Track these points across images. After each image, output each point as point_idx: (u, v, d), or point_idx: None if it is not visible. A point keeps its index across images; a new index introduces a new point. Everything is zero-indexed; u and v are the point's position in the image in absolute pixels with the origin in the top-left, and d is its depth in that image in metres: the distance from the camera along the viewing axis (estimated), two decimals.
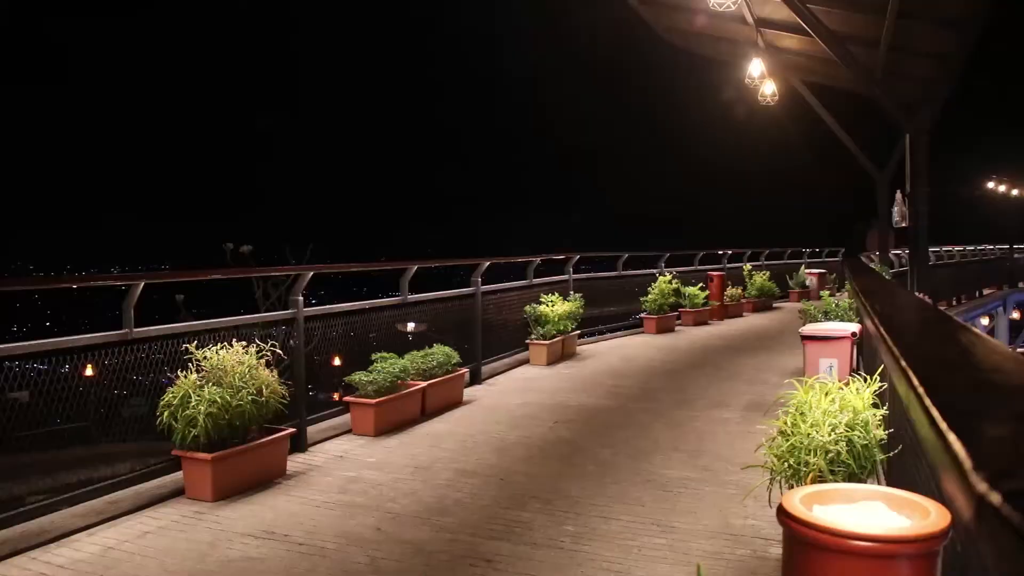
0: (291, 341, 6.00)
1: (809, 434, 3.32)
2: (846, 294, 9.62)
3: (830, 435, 3.26)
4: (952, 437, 0.74)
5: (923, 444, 1.51)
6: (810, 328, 7.39)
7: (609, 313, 12.83)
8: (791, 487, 3.23)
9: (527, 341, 9.78)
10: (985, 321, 22.31)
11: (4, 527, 4.07)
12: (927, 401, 0.90)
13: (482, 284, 8.87)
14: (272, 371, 5.23)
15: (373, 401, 6.14)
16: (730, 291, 15.51)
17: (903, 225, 12.04)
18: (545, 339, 9.61)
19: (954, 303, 18.37)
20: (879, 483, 3.62)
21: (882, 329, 1.67)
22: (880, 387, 3.56)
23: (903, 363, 1.15)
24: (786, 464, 3.35)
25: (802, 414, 3.46)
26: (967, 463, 0.66)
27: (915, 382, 1.00)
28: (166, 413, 4.73)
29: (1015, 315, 25.02)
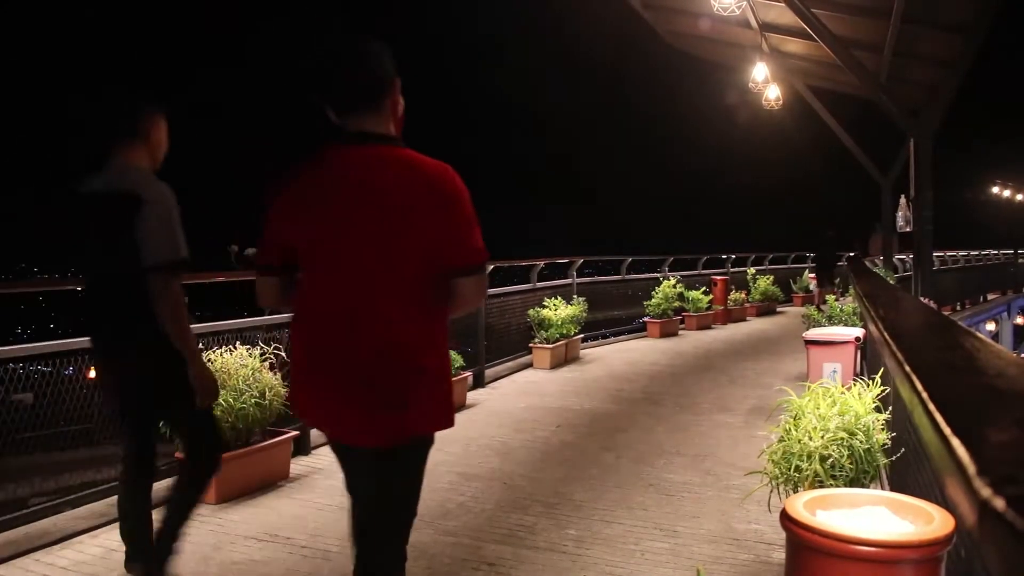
0: None
1: (800, 440, 3.32)
2: (850, 298, 9.61)
3: (821, 439, 3.26)
4: (956, 442, 0.74)
5: (927, 449, 1.51)
6: (814, 332, 7.39)
7: (612, 317, 12.83)
8: (788, 494, 3.23)
9: (530, 345, 9.79)
10: (990, 326, 22.27)
11: (8, 529, 4.08)
12: (931, 406, 0.89)
13: None
14: (275, 374, 5.24)
15: None
16: (734, 295, 15.51)
17: (907, 230, 12.03)
18: (548, 343, 9.61)
19: (958, 308, 18.34)
20: (882, 488, 3.62)
21: (886, 334, 1.67)
22: (883, 391, 3.56)
23: (907, 368, 1.15)
24: (780, 470, 3.36)
25: (796, 419, 3.47)
26: (971, 468, 0.66)
27: (919, 387, 1.00)
28: None
29: (1020, 320, 24.97)
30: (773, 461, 3.41)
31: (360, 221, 2.17)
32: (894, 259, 15.59)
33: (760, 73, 13.00)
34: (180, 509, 3.32)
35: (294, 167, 2.33)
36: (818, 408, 3.42)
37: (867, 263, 16.07)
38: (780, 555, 3.69)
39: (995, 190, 42.19)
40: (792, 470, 3.27)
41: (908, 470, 3.21)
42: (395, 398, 2.23)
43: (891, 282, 9.19)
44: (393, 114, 2.32)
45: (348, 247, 2.19)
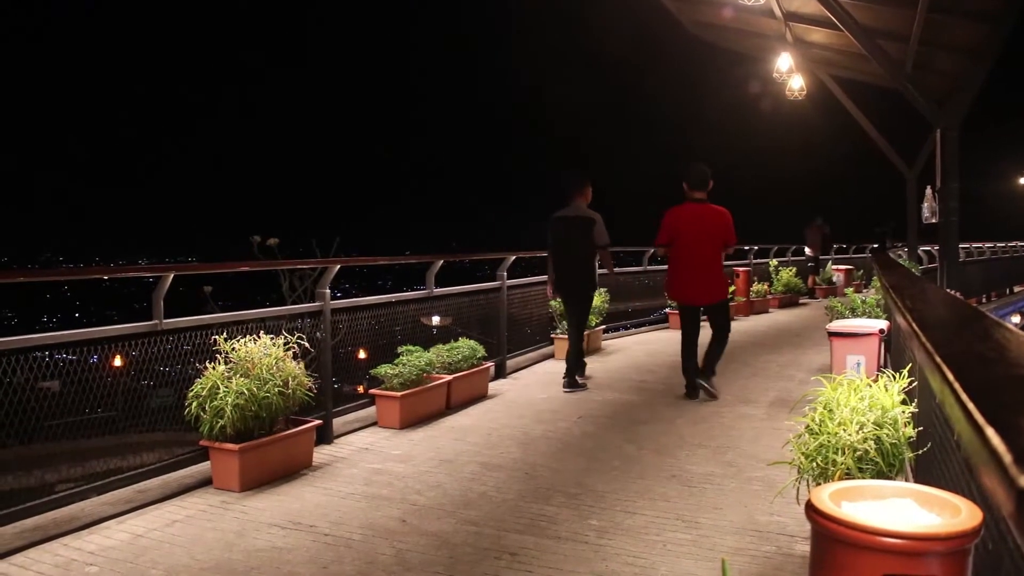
0: (317, 333, 6.04)
1: (837, 433, 3.28)
2: (873, 290, 9.52)
3: (858, 433, 3.23)
4: (990, 431, 0.73)
5: (958, 439, 1.50)
6: (837, 324, 7.32)
7: (634, 308, 12.79)
8: (818, 485, 3.20)
9: (552, 335, 9.78)
10: (1015, 319, 21.99)
11: (36, 514, 4.15)
12: (963, 396, 0.89)
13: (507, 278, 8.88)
14: (299, 363, 5.27)
15: (399, 394, 6.17)
16: (756, 287, 15.39)
17: (933, 221, 11.89)
18: None
19: (984, 300, 18.13)
20: (907, 481, 3.59)
21: (915, 325, 1.66)
22: (910, 383, 3.52)
23: (937, 358, 1.14)
24: (814, 463, 3.32)
25: (830, 412, 3.43)
26: (1007, 457, 0.66)
27: (950, 377, 0.99)
28: (194, 404, 4.78)
29: None
30: (804, 454, 3.38)
31: (699, 229, 7.15)
32: (919, 251, 15.44)
33: (784, 63, 12.90)
34: (576, 360, 7.80)
35: (673, 208, 7.26)
36: (849, 401, 3.39)
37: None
38: (803, 547, 3.68)
39: (1022, 181, 41.60)
40: (827, 464, 3.24)
41: (933, 463, 3.18)
42: (712, 288, 7.23)
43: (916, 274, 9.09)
44: (709, 190, 7.20)
45: (696, 238, 7.13)
